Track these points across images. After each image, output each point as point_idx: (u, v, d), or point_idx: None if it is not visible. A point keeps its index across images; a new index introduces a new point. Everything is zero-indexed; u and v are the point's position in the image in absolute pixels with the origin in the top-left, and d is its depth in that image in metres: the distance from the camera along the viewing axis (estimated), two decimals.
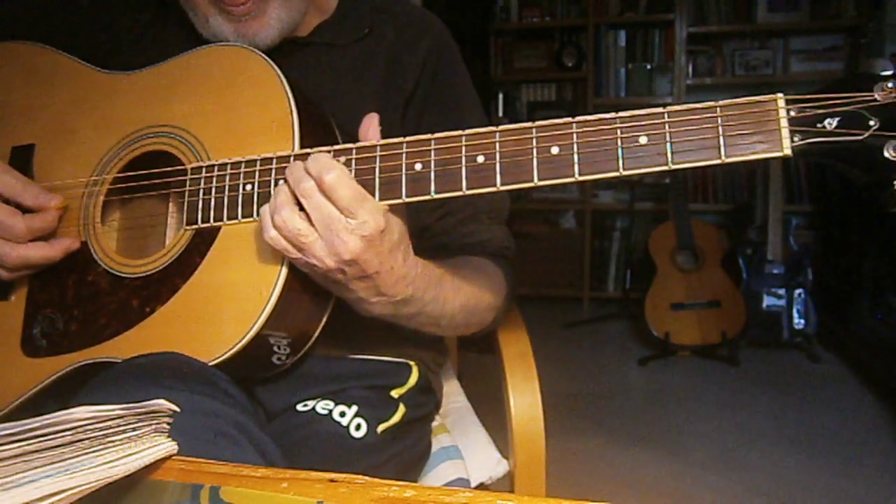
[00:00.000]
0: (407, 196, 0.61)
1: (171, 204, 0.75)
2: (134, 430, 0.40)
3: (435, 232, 0.84)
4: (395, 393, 0.82)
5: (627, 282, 3.33)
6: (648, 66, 3.59)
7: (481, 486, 0.91)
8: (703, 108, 0.54)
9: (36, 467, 0.35)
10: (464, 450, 0.93)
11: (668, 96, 3.51)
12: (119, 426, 0.39)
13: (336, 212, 0.58)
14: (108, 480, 0.37)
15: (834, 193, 3.11)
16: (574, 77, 3.68)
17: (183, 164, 0.70)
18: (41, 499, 0.34)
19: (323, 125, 0.72)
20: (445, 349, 0.97)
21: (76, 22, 0.86)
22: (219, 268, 0.66)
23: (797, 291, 2.77)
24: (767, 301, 2.80)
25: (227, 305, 0.65)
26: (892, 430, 2.16)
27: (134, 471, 0.39)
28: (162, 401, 0.43)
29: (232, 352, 0.63)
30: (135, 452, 0.40)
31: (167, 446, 0.42)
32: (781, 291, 2.79)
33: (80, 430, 0.37)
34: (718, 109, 0.54)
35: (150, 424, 0.42)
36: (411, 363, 0.86)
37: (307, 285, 0.67)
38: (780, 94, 0.54)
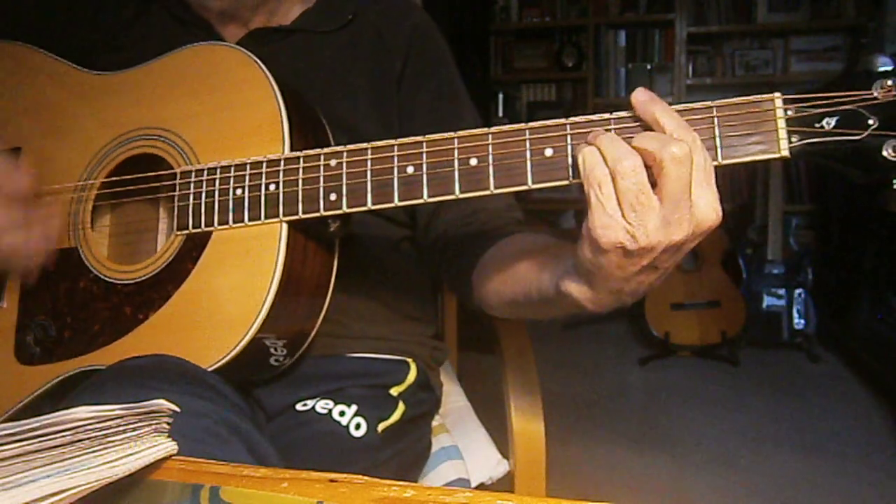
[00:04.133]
0: (399, 200, 0.60)
1: (161, 209, 0.75)
2: (134, 430, 0.40)
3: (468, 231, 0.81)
4: (394, 391, 0.82)
5: None
6: (648, 66, 3.59)
7: (481, 487, 0.91)
8: (699, 108, 0.53)
9: (36, 467, 0.35)
10: (464, 450, 0.92)
11: (668, 96, 3.50)
12: (119, 426, 0.39)
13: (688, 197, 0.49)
14: (108, 480, 0.37)
15: (834, 193, 3.11)
16: (574, 77, 3.68)
17: (172, 168, 0.70)
18: (41, 499, 0.34)
19: (313, 123, 0.71)
20: (444, 347, 0.97)
21: (56, 20, 0.86)
22: (212, 273, 0.66)
23: (797, 291, 2.77)
24: (767, 301, 2.80)
25: (222, 311, 0.64)
26: (892, 430, 2.16)
27: (134, 471, 0.39)
28: (162, 401, 0.43)
29: (228, 358, 0.63)
30: (135, 452, 0.40)
31: (167, 446, 0.42)
32: (781, 291, 2.79)
33: (80, 430, 0.37)
34: (715, 109, 0.53)
35: (150, 424, 0.42)
36: (409, 360, 0.86)
37: (301, 288, 0.67)
38: (777, 94, 0.52)
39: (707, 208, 0.50)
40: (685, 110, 0.53)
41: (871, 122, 0.50)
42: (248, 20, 0.82)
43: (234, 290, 0.64)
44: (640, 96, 0.53)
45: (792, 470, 1.93)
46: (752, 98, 0.53)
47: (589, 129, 0.54)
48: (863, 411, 2.31)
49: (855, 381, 2.55)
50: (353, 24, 0.84)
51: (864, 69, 0.51)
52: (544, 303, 0.64)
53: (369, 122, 0.82)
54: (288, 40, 0.82)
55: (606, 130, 0.54)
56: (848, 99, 0.50)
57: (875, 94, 0.50)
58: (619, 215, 0.49)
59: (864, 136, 0.50)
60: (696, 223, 0.50)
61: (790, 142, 0.51)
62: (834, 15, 3.34)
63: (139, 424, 0.41)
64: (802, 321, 2.77)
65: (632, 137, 0.51)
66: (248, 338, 0.63)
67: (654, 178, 0.50)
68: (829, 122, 0.51)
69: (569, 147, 0.55)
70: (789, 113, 0.51)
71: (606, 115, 0.55)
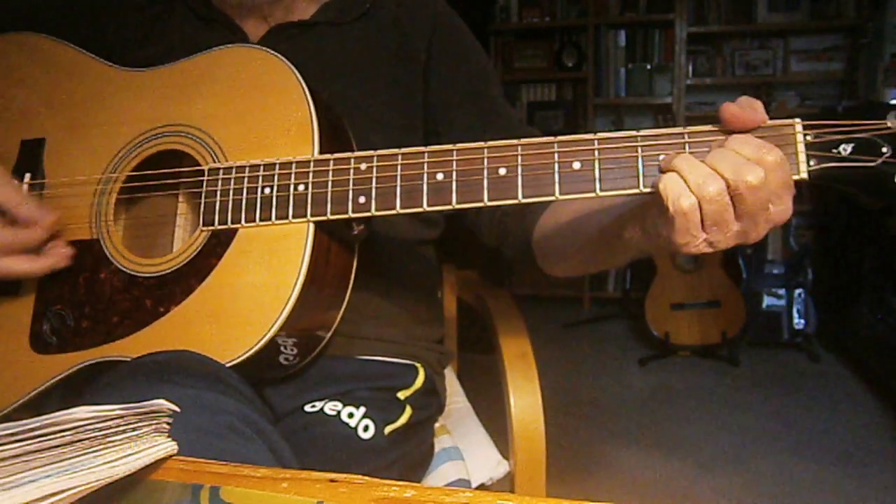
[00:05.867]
0: (428, 205, 0.61)
1: (182, 204, 0.75)
2: (134, 430, 0.40)
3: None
4: (401, 395, 0.82)
5: (627, 282, 3.33)
6: (648, 66, 3.59)
7: (482, 487, 0.91)
8: (721, 131, 0.56)
9: (36, 467, 0.35)
10: (464, 450, 0.93)
11: (667, 96, 3.50)
12: (119, 426, 0.39)
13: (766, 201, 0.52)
14: (109, 480, 0.37)
15: (834, 194, 3.11)
16: (574, 77, 3.68)
17: (199, 164, 0.70)
18: (41, 499, 0.34)
19: (339, 130, 0.72)
20: (449, 351, 0.97)
21: (78, 15, 0.86)
22: (235, 270, 0.66)
23: (797, 291, 2.77)
24: (767, 301, 2.80)
25: (244, 308, 0.65)
26: (892, 429, 2.16)
27: (134, 471, 0.39)
28: (162, 401, 0.43)
29: (247, 355, 0.63)
30: (135, 452, 0.40)
31: (167, 446, 0.42)
32: (781, 291, 2.79)
33: (80, 430, 0.37)
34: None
35: (151, 424, 0.42)
36: (417, 365, 0.86)
37: (321, 290, 0.67)
38: (797, 119, 0.55)
39: (782, 214, 0.53)
40: (707, 132, 0.56)
41: (885, 150, 0.53)
42: (268, 14, 0.82)
43: (258, 288, 0.65)
44: (727, 112, 0.54)
45: (791, 469, 1.93)
46: (772, 123, 0.55)
47: (614, 146, 0.57)
48: (863, 411, 2.31)
49: (855, 381, 2.55)
50: (371, 13, 0.85)
51: (879, 101, 0.53)
52: (605, 246, 0.66)
53: (390, 110, 0.83)
54: (309, 34, 0.83)
55: (633, 148, 0.56)
56: (864, 127, 0.53)
57: (889, 125, 0.53)
58: (701, 233, 0.53)
59: (878, 162, 0.53)
60: (771, 225, 0.54)
61: (809, 165, 0.54)
62: (834, 15, 3.34)
63: (139, 424, 0.41)
64: (802, 321, 2.77)
65: (706, 152, 0.53)
66: (268, 336, 0.63)
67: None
68: (846, 149, 0.54)
69: (596, 162, 0.57)
70: (808, 138, 0.54)
71: (633, 133, 0.57)
